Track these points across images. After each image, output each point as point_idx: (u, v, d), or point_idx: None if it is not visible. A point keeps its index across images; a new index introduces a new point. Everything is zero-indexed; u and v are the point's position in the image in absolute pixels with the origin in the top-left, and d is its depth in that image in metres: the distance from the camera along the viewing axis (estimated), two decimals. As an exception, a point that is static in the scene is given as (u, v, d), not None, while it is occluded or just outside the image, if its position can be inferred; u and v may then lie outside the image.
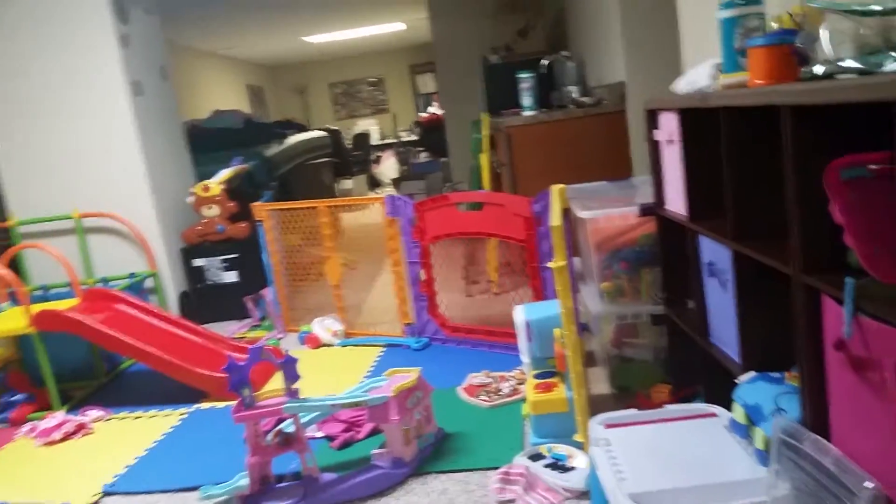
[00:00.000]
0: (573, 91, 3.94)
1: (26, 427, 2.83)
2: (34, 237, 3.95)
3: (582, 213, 2.09)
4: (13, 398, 3.01)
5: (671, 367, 2.13)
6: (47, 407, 2.97)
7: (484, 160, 3.82)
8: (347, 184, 9.55)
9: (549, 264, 1.67)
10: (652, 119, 1.94)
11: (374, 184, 10.42)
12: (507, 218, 2.79)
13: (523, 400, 2.40)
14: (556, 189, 2.11)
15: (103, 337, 2.92)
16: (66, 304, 3.10)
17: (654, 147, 1.94)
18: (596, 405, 2.17)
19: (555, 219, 1.71)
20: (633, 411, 1.64)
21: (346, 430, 2.38)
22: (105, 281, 3.82)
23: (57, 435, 2.71)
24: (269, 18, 7.89)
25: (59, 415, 2.84)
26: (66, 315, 2.91)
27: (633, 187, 2.72)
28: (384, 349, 3.28)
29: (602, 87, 3.87)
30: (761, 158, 1.43)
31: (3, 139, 3.93)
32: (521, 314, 2.19)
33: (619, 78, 3.51)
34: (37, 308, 2.95)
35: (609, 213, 2.13)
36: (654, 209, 2.00)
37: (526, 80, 3.72)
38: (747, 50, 1.38)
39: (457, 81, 6.18)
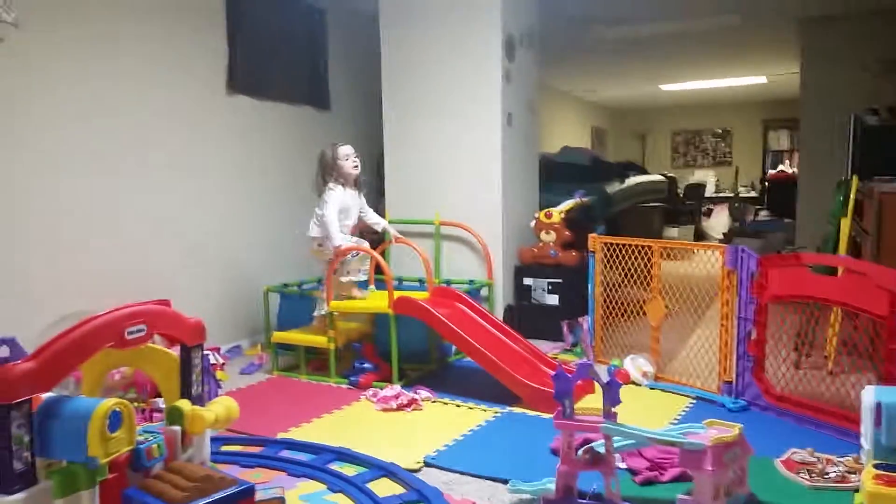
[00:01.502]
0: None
1: (370, 392, 3.31)
2: (400, 236, 4.59)
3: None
4: (364, 365, 3.51)
5: None
6: (388, 379, 3.43)
7: (845, 225, 3.50)
8: (673, 232, 9.34)
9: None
10: None
11: (701, 236, 10.02)
12: (868, 289, 2.53)
13: (854, 490, 2.16)
14: (941, 266, 1.89)
15: (445, 328, 3.30)
16: (419, 294, 3.57)
17: None
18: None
19: (939, 295, 1.54)
20: None
21: (650, 469, 2.38)
22: (448, 282, 4.30)
23: (393, 404, 3.12)
24: (632, 65, 8.12)
25: (397, 388, 3.26)
26: (419, 303, 3.36)
27: None
28: (694, 401, 3.19)
29: None
30: None
31: (392, 150, 4.68)
32: (871, 395, 1.99)
33: None
34: (397, 294, 3.46)
35: None
36: None
37: (912, 144, 3.33)
38: None
39: (820, 140, 5.73)
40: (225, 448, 2.66)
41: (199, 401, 2.23)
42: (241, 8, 4.21)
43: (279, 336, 3.73)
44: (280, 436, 2.80)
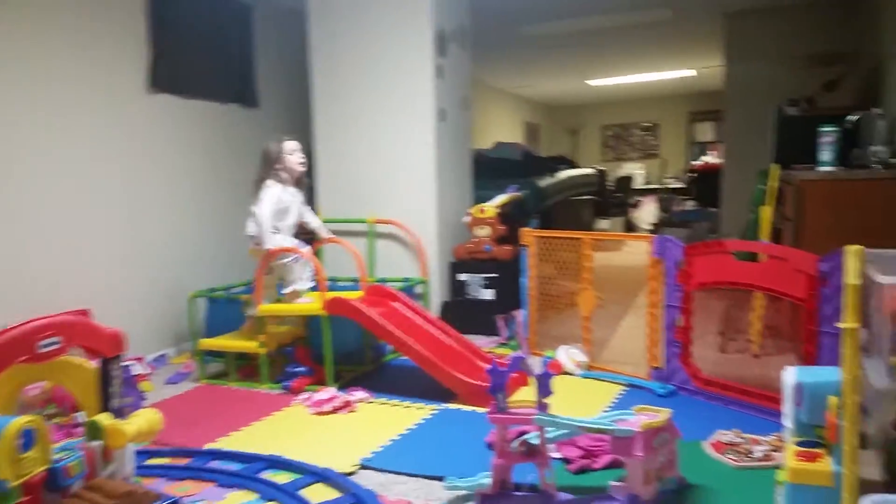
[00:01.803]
0: (881, 151, 3.58)
1: (303, 396, 3.24)
2: (333, 235, 4.51)
3: (881, 278, 1.90)
4: (296, 369, 3.43)
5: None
6: (322, 382, 3.37)
7: (766, 213, 3.62)
8: (604, 224, 9.53)
9: (841, 324, 1.56)
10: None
11: (630, 227, 10.26)
12: (788, 274, 2.62)
13: (777, 467, 2.23)
14: (853, 249, 1.96)
15: (379, 328, 3.27)
16: (352, 294, 3.52)
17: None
18: (862, 489, 1.95)
19: (852, 277, 1.60)
20: (918, 501, 1.46)
21: (583, 457, 2.41)
22: (383, 281, 4.26)
23: (327, 407, 3.06)
24: (562, 61, 8.23)
25: (331, 390, 3.20)
26: (352, 304, 3.31)
27: (943, 261, 2.41)
28: (626, 389, 3.24)
29: (917, 149, 3.46)
30: None
31: (323, 148, 4.60)
32: (792, 375, 2.05)
33: (940, 140, 3.12)
34: (330, 295, 3.40)
35: (914, 281, 1.91)
36: (972, 285, 1.76)
37: (828, 134, 3.46)
38: None
39: (743, 131, 5.93)
40: (151, 461, 2.56)
41: (119, 414, 2.13)
42: (163, 4, 4.06)
43: (206, 343, 3.62)
44: (209, 446, 2.71)
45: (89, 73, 3.67)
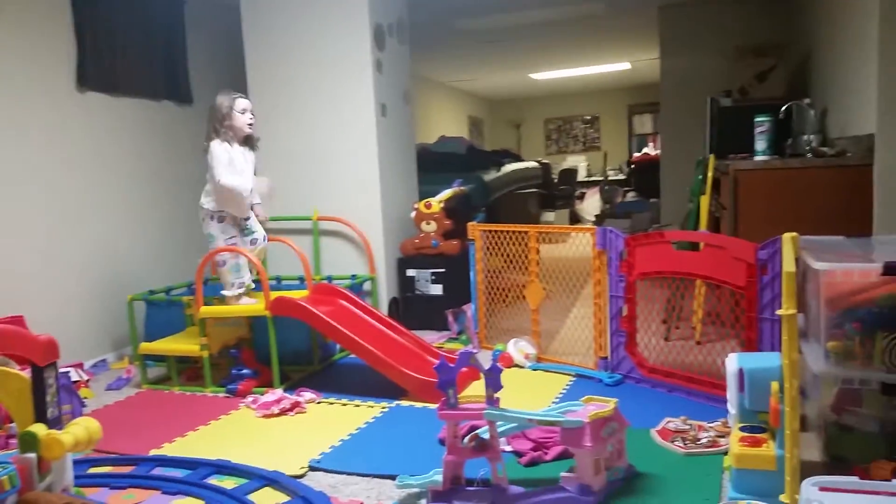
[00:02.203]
0: (812, 140, 3.71)
1: (249, 399, 3.17)
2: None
3: (817, 265, 1.96)
4: (242, 371, 3.36)
5: (901, 445, 1.93)
6: (269, 384, 3.31)
7: (704, 202, 3.71)
8: (550, 216, 9.65)
9: (779, 312, 1.60)
10: (910, 172, 1.79)
11: (576, 219, 10.41)
12: (727, 262, 2.68)
13: (724, 452, 2.29)
14: (788, 237, 2.02)
15: (327, 326, 3.22)
16: (298, 294, 3.46)
17: (910, 202, 1.79)
18: (804, 471, 2.02)
19: (788, 264, 1.64)
20: (853, 479, 1.51)
21: (534, 449, 2.42)
22: (330, 279, 4.20)
23: (275, 409, 3.00)
24: (502, 55, 8.26)
25: (278, 392, 3.14)
26: (298, 303, 3.25)
27: (872, 245, 2.50)
28: (574, 379, 3.28)
29: (846, 138, 3.59)
30: None
31: (263, 145, 4.47)
32: (734, 362, 2.10)
33: (868, 130, 3.24)
34: (274, 294, 3.33)
35: (848, 267, 1.98)
36: (901, 269, 1.84)
37: (762, 124, 3.57)
38: None
39: (680, 122, 6.06)
40: (93, 470, 2.47)
41: (55, 423, 2.04)
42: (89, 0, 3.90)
43: (147, 347, 3.50)
44: (153, 452, 2.63)
45: (14, 71, 3.51)
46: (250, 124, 3.43)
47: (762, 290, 2.58)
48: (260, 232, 3.57)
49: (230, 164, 3.32)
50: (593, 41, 7.78)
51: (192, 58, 4.76)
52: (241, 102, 3.40)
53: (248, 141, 3.47)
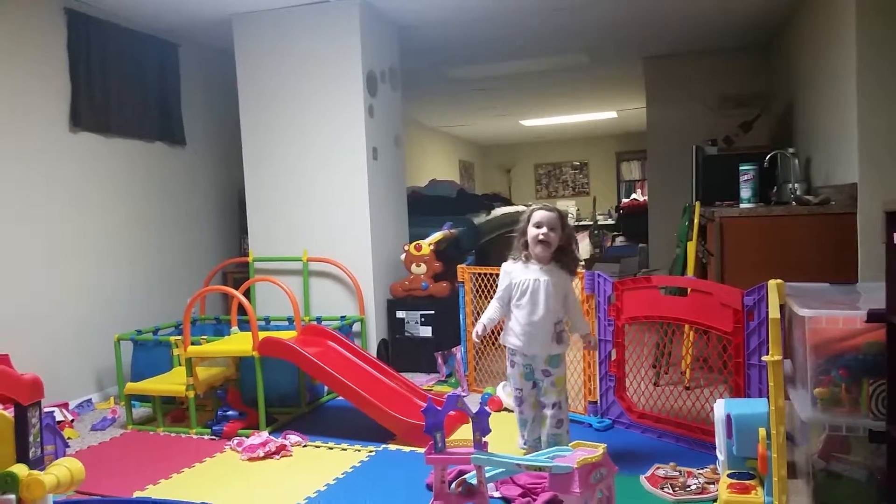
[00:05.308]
0: (796, 188, 3.78)
1: (235, 441, 3.13)
2: (266, 273, 4.44)
3: (802, 311, 1.99)
4: (228, 413, 3.31)
5: (889, 492, 1.92)
6: (255, 426, 3.27)
7: (691, 248, 3.75)
8: (540, 260, 9.66)
9: (765, 358, 1.62)
10: (892, 222, 1.83)
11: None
12: (714, 308, 2.70)
13: (713, 499, 2.27)
14: (774, 283, 2.05)
15: (315, 368, 3.20)
16: (287, 334, 3.44)
17: (893, 251, 1.83)
18: (795, 519, 2.01)
19: (773, 311, 1.66)
20: (844, 528, 1.51)
21: (522, 495, 2.40)
22: (319, 320, 4.19)
23: (260, 452, 2.96)
24: (492, 102, 8.41)
25: (264, 435, 3.10)
26: (287, 344, 3.24)
27: (857, 293, 2.54)
28: (565, 424, 3.26)
29: (829, 186, 3.67)
30: None
31: (254, 186, 4.52)
32: (721, 408, 2.11)
33: (850, 179, 3.32)
34: (263, 335, 3.32)
35: (833, 314, 2.00)
36: (885, 316, 1.86)
37: (747, 172, 3.64)
38: None
39: (666, 169, 6.15)
40: (73, 514, 2.43)
41: (37, 464, 2.02)
42: (84, 42, 3.95)
43: (133, 387, 3.45)
44: (136, 494, 2.58)
45: (8, 110, 3.54)
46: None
47: (749, 335, 2.59)
48: None
49: None
50: (581, 91, 7.93)
51: (185, 100, 4.81)
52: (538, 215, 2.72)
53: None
